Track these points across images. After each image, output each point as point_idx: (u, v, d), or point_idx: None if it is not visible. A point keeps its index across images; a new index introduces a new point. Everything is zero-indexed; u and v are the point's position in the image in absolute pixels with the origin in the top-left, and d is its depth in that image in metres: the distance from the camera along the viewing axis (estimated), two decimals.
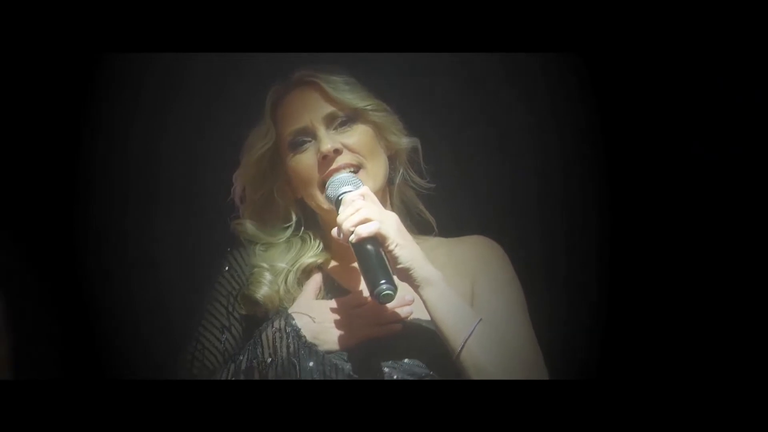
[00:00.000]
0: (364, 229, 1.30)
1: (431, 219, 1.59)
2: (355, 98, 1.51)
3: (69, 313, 1.71)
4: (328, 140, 1.46)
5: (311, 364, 1.36)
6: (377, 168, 1.50)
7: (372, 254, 1.29)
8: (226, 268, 1.54)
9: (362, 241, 1.30)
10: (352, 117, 1.50)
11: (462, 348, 1.30)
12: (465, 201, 1.78)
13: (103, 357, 1.73)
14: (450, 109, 1.90)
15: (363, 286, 1.41)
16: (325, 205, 1.47)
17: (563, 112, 1.84)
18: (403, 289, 1.36)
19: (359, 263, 1.32)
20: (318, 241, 1.56)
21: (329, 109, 1.50)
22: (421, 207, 1.59)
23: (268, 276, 1.48)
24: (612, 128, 1.76)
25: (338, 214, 1.36)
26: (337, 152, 1.45)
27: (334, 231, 1.37)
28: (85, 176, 1.80)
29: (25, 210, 1.74)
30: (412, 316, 1.41)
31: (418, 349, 1.39)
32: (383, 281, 1.25)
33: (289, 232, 1.57)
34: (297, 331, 1.38)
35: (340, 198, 1.39)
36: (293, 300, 1.46)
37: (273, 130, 1.53)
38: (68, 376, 1.62)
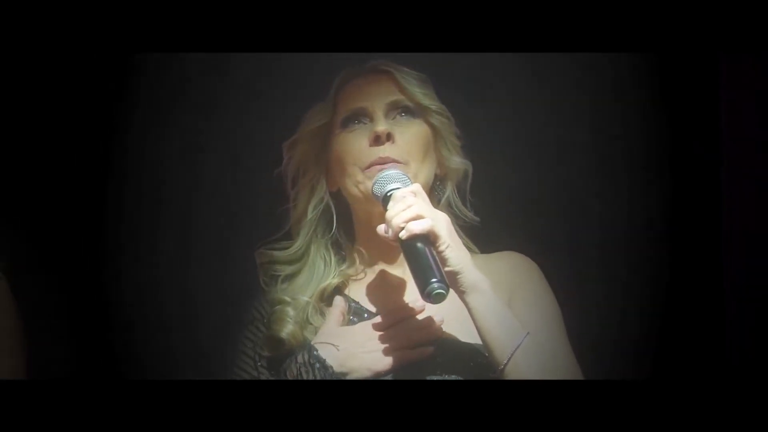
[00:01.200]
0: (416, 225, 1.25)
1: (472, 246, 1.52)
2: (422, 94, 1.48)
3: (84, 313, 1.70)
4: (384, 122, 1.44)
5: None
6: (422, 171, 1.46)
7: (423, 252, 1.24)
8: (252, 322, 1.48)
9: (413, 239, 1.25)
10: (413, 111, 1.48)
11: (508, 361, 1.24)
12: (499, 221, 1.72)
13: (117, 357, 1.71)
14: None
15: (391, 306, 1.40)
16: (361, 187, 1.43)
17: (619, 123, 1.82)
18: (432, 308, 1.31)
19: (408, 262, 1.27)
20: (336, 262, 1.52)
21: (393, 96, 1.47)
22: (461, 234, 1.50)
23: (290, 312, 1.42)
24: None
25: (387, 210, 1.31)
26: (389, 137, 1.42)
27: (381, 227, 1.32)
28: (111, 176, 1.79)
29: (46, 209, 1.72)
30: (443, 336, 1.36)
31: (450, 365, 1.34)
32: (435, 279, 1.20)
33: (313, 248, 1.51)
34: (323, 362, 1.32)
35: (389, 194, 1.34)
36: (316, 331, 1.40)
37: (332, 108, 1.51)
38: (81, 376, 1.61)
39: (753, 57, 1.54)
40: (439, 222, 1.28)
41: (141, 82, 1.76)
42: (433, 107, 1.50)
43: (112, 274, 1.76)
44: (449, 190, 1.53)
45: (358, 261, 1.52)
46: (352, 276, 1.51)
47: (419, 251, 1.24)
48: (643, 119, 1.80)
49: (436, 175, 1.51)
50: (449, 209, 1.50)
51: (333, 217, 1.52)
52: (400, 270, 1.49)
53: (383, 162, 1.41)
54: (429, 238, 1.25)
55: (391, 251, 1.47)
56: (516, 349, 1.24)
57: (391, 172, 1.39)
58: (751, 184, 1.57)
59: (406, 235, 1.25)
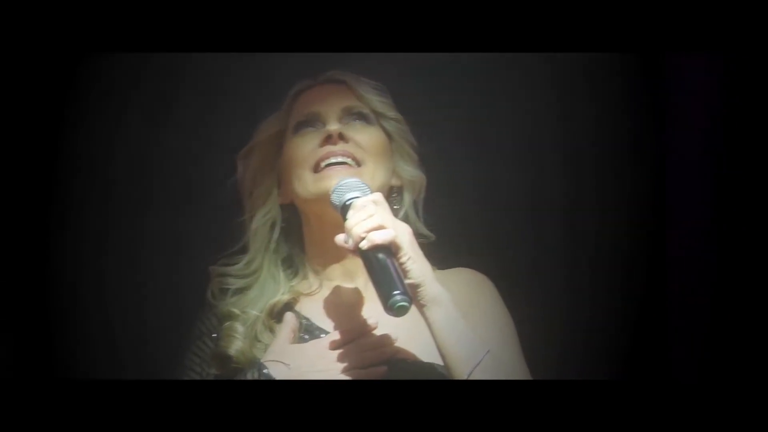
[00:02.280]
0: (378, 235, 1.20)
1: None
2: (378, 100, 1.45)
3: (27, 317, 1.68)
4: (337, 124, 1.40)
5: None
6: (377, 176, 1.41)
7: (385, 264, 1.20)
8: (200, 337, 1.43)
9: (374, 249, 1.20)
10: (369, 116, 1.44)
11: (468, 377, 1.21)
12: (455, 235, 1.69)
13: (59, 359, 1.69)
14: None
15: (344, 323, 1.36)
16: (311, 187, 1.39)
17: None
18: (386, 326, 1.28)
19: (369, 273, 1.22)
20: (286, 277, 1.48)
21: (348, 102, 1.44)
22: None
23: (239, 328, 1.38)
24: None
25: (346, 219, 1.26)
26: (342, 137, 1.38)
27: (341, 237, 1.26)
28: (59, 178, 1.74)
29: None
30: (397, 356, 1.31)
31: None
32: (397, 291, 1.15)
33: (265, 263, 1.47)
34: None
35: (348, 203, 1.29)
36: (266, 348, 1.35)
37: (286, 116, 1.48)
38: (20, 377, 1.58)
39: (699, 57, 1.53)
40: (401, 233, 1.24)
41: (93, 84, 1.74)
42: (390, 114, 1.46)
43: (57, 279, 1.73)
44: (407, 204, 1.49)
45: (310, 276, 1.48)
46: (304, 292, 1.47)
47: (381, 262, 1.20)
48: (605, 127, 1.80)
49: (392, 187, 1.47)
50: (406, 221, 1.44)
51: (280, 230, 1.49)
52: (354, 284, 1.45)
53: (334, 155, 1.38)
54: (390, 249, 1.21)
55: (344, 265, 1.44)
56: (476, 366, 1.21)
57: (350, 180, 1.34)
58: (695, 185, 1.57)
59: (367, 245, 1.20)
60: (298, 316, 1.41)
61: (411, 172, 1.49)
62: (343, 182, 1.33)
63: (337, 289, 1.45)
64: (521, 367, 1.34)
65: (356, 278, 1.44)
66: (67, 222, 1.75)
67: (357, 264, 1.36)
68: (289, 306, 1.43)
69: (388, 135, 1.46)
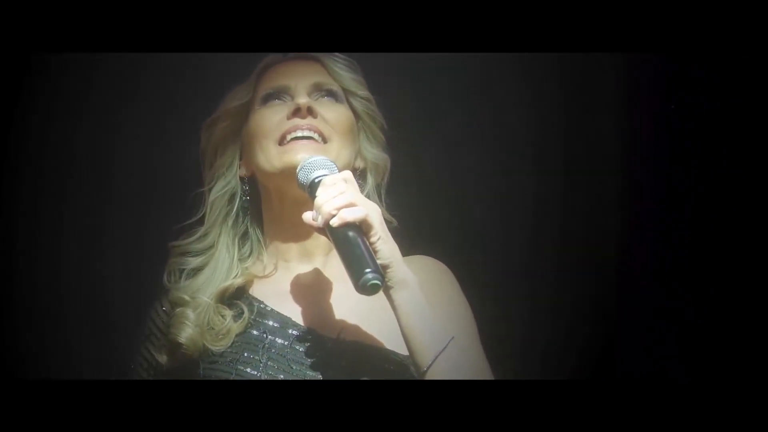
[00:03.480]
0: (349, 213, 1.17)
1: None
2: (348, 77, 1.43)
3: None
4: (306, 98, 1.37)
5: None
6: (342, 154, 1.39)
7: (355, 241, 1.17)
8: (151, 326, 1.42)
9: (344, 227, 1.17)
10: (338, 94, 1.42)
11: (432, 363, 1.18)
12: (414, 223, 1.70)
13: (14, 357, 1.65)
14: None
15: (299, 306, 1.35)
16: (275, 161, 1.36)
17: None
18: (345, 309, 1.30)
19: (339, 250, 1.19)
20: (240, 259, 1.44)
21: (319, 78, 1.42)
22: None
23: (190, 315, 1.34)
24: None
25: (315, 197, 1.23)
26: (311, 111, 1.35)
27: (308, 214, 1.23)
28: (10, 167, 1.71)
29: None
30: (358, 342, 1.32)
31: (370, 369, 1.30)
32: (369, 270, 1.13)
33: (221, 239, 1.43)
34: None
35: (317, 180, 1.26)
36: (218, 337, 1.32)
37: (253, 88, 1.44)
38: None
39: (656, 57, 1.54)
40: (372, 212, 1.21)
41: (44, 78, 1.71)
42: (360, 93, 1.44)
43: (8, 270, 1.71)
44: (370, 186, 1.46)
45: (265, 257, 1.45)
46: (258, 275, 1.44)
47: (351, 240, 1.17)
48: (572, 120, 1.80)
49: (356, 169, 1.44)
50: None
51: (239, 204, 1.45)
52: (312, 265, 1.42)
53: (301, 129, 1.35)
54: (361, 228, 1.19)
55: (302, 245, 1.41)
56: (440, 353, 1.19)
57: (318, 158, 1.31)
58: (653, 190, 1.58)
59: (337, 223, 1.17)
60: (252, 299, 1.39)
61: (376, 155, 1.47)
62: (310, 159, 1.31)
63: (293, 271, 1.42)
64: (481, 357, 1.33)
65: (314, 259, 1.42)
66: (20, 211, 1.73)
67: (316, 244, 1.36)
68: (241, 290, 1.41)
69: (357, 114, 1.44)
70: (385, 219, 1.36)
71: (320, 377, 1.28)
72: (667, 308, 1.56)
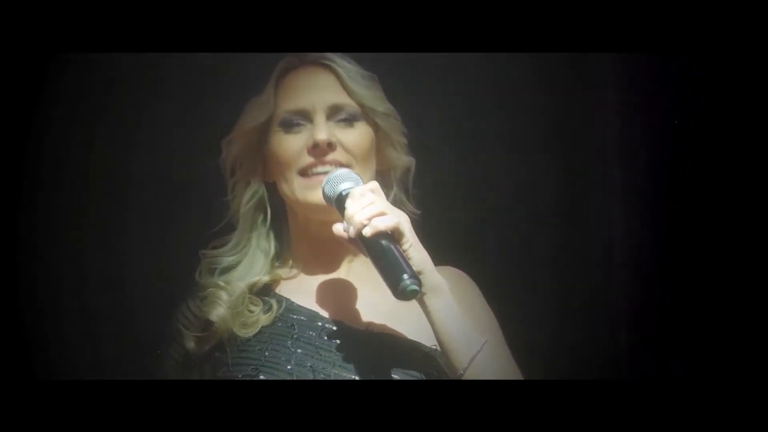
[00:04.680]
0: (381, 221, 1.20)
1: None
2: (368, 95, 1.43)
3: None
4: (325, 130, 1.39)
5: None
6: (366, 170, 1.42)
7: (389, 249, 1.20)
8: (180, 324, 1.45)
9: (377, 235, 1.20)
10: (357, 114, 1.43)
11: (468, 366, 1.23)
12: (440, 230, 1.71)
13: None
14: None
15: (325, 305, 1.38)
16: (298, 193, 1.39)
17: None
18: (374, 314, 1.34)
19: (374, 259, 1.22)
20: (274, 256, 1.49)
21: (337, 98, 1.42)
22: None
23: (224, 296, 1.39)
24: None
25: (345, 209, 1.26)
26: (330, 146, 1.38)
27: (339, 226, 1.27)
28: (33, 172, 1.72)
29: None
30: (382, 330, 1.36)
31: (398, 359, 1.33)
32: (407, 275, 1.15)
33: (254, 238, 1.48)
34: None
35: (345, 192, 1.29)
36: (247, 324, 1.37)
37: (272, 102, 1.45)
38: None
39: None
40: (401, 219, 1.24)
41: (67, 80, 1.71)
42: (380, 109, 1.45)
43: (32, 274, 1.70)
44: (395, 187, 1.49)
45: (291, 260, 1.49)
46: (284, 276, 1.47)
47: (385, 248, 1.20)
48: (587, 120, 1.79)
49: (378, 171, 1.46)
50: (395, 204, 1.44)
51: (267, 209, 1.49)
52: (336, 275, 1.47)
53: (322, 164, 1.38)
54: (393, 236, 1.22)
55: (328, 251, 1.44)
56: (476, 355, 1.23)
57: (342, 171, 1.34)
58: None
59: (370, 232, 1.20)
60: (280, 297, 1.43)
61: (399, 159, 1.48)
62: (335, 174, 1.34)
63: (319, 274, 1.47)
64: (511, 360, 1.36)
65: (339, 264, 1.46)
66: (42, 218, 1.73)
67: (339, 251, 1.40)
68: (269, 288, 1.44)
69: (378, 128, 1.44)
70: (411, 213, 1.41)
71: (349, 364, 1.31)
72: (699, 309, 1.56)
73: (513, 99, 1.84)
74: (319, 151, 1.37)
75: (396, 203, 1.44)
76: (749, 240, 1.47)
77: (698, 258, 1.52)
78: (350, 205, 1.25)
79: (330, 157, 1.38)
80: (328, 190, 1.33)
